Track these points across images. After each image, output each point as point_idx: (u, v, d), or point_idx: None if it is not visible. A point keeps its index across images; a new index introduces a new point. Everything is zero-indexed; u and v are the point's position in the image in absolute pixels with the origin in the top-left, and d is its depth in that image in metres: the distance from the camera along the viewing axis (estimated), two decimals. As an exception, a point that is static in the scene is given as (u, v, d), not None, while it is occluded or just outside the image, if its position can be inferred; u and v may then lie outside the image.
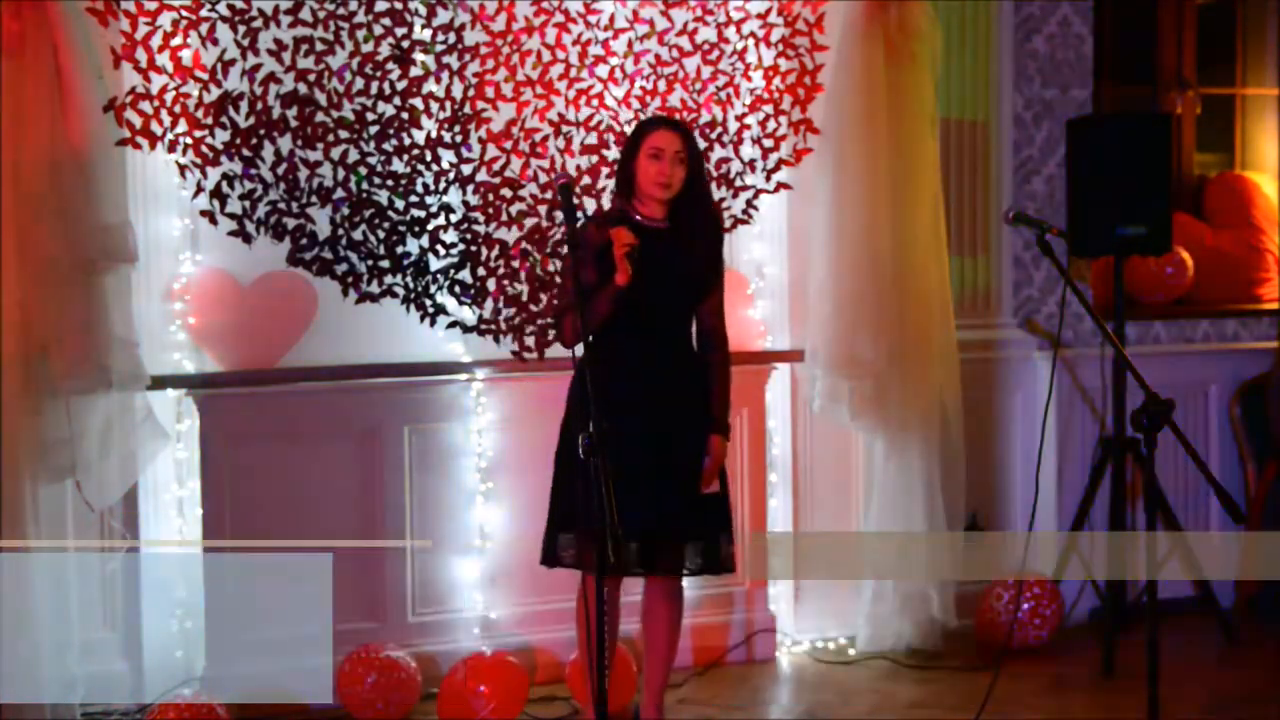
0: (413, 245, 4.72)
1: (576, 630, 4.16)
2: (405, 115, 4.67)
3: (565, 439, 4.06)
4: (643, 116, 4.88)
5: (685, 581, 4.95)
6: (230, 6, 4.50)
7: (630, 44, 4.92)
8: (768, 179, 5.11)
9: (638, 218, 4.01)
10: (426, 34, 4.69)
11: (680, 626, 4.16)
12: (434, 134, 4.71)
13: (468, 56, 4.74)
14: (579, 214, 4.57)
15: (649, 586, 4.13)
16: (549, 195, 4.81)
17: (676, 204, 4.01)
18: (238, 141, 4.52)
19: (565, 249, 4.01)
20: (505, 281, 4.81)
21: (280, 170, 4.57)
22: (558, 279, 4.77)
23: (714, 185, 5.02)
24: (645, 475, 3.88)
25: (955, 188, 5.43)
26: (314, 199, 4.61)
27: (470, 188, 4.77)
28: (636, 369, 3.95)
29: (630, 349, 3.95)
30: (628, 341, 3.95)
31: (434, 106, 4.71)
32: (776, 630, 5.17)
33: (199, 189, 4.52)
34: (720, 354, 4.12)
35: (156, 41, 4.43)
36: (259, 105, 4.53)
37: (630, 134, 4.10)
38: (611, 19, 4.90)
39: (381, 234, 4.68)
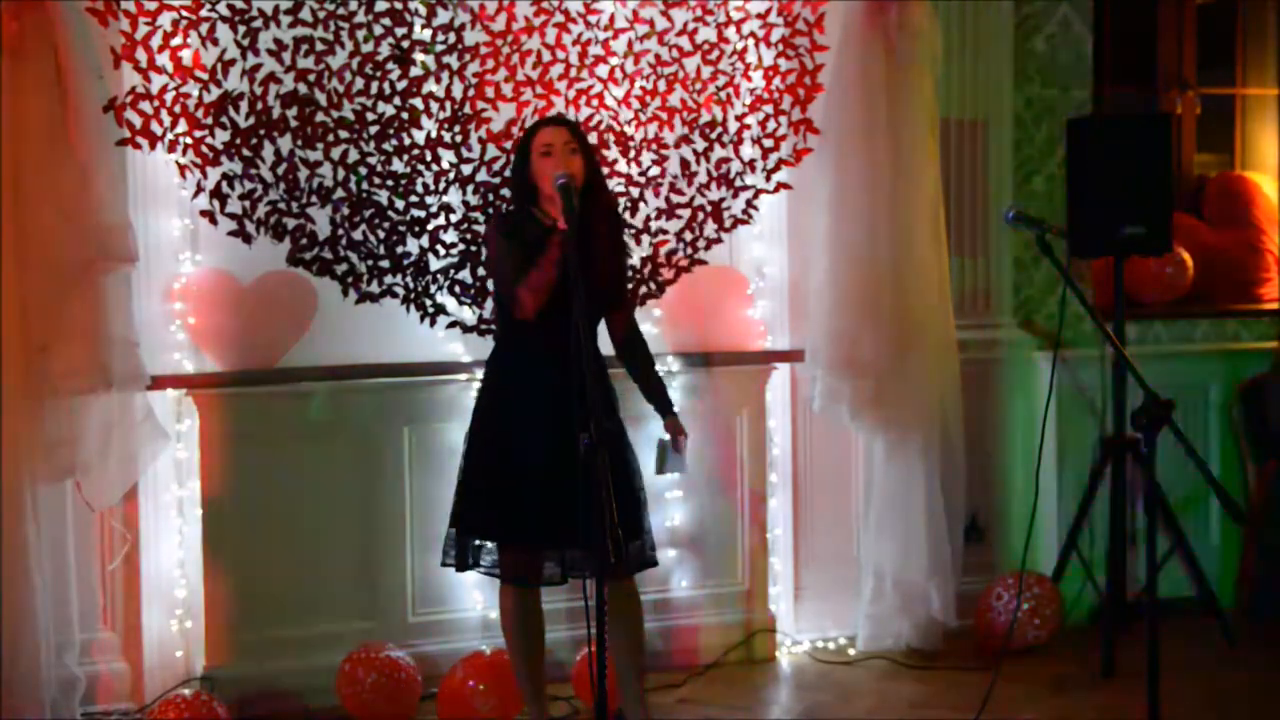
0: (413, 245, 4.72)
1: (506, 642, 4.09)
2: (405, 115, 4.67)
3: (474, 442, 4.02)
4: (641, 116, 4.90)
5: (686, 582, 4.99)
6: (230, 6, 4.50)
7: (630, 44, 4.92)
8: (768, 179, 5.11)
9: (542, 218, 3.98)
10: (426, 34, 4.69)
11: (643, 623, 4.08)
12: (434, 134, 4.71)
13: (468, 56, 4.73)
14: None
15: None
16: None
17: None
18: (238, 141, 4.52)
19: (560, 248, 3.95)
20: (505, 281, 4.81)
21: (280, 170, 4.56)
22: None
23: (714, 185, 5.03)
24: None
25: (955, 188, 5.42)
26: (314, 199, 4.61)
27: (470, 188, 4.77)
28: (547, 376, 3.83)
29: (540, 356, 3.87)
30: (536, 348, 3.89)
31: (434, 106, 4.70)
32: (776, 630, 5.16)
33: (199, 189, 4.52)
34: (645, 350, 4.14)
35: (156, 41, 4.43)
36: (259, 105, 4.53)
37: (518, 144, 4.07)
38: (611, 19, 4.89)
39: (381, 234, 4.68)
